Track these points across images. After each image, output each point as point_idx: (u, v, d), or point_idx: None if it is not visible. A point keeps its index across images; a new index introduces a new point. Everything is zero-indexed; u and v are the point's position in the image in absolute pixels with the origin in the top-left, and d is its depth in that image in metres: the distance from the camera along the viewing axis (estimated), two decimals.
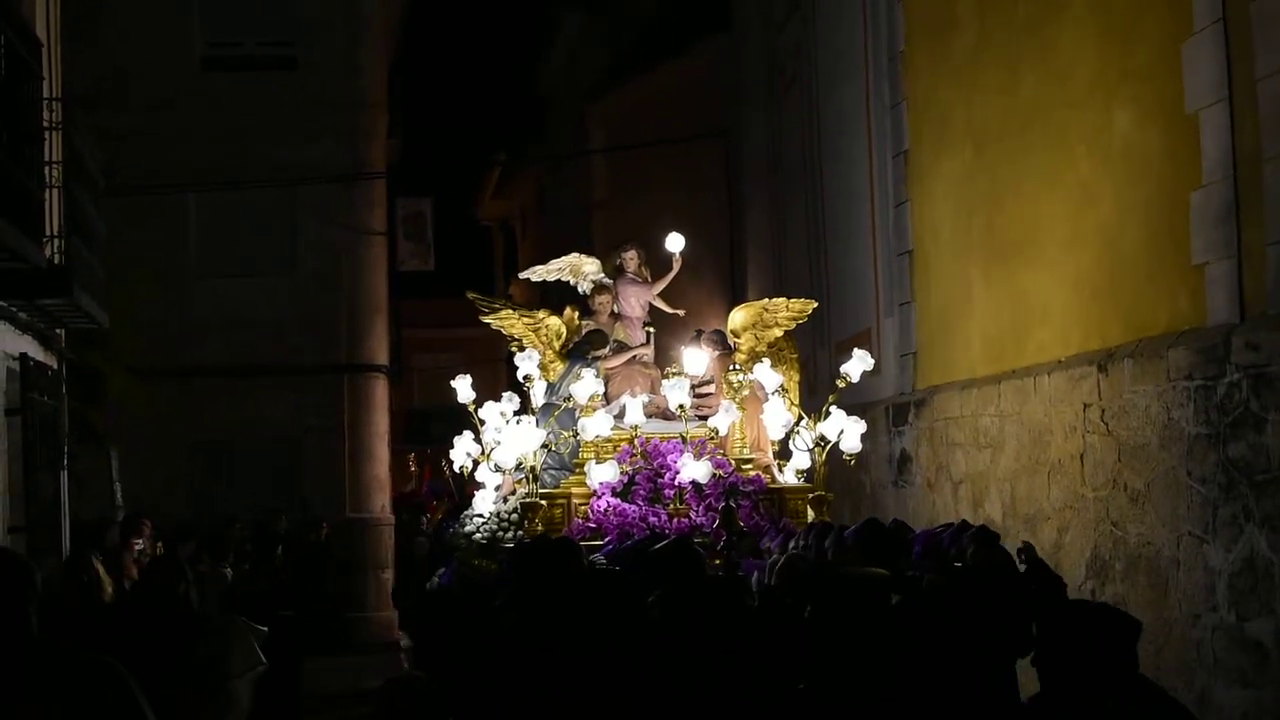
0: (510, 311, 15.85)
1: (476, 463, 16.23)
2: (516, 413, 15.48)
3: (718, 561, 12.33)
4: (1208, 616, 11.20)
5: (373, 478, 28.45)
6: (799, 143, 23.41)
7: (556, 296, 17.95)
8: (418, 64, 40.03)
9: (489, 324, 15.98)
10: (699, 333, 16.43)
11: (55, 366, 16.89)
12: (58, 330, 16.82)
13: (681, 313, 16.84)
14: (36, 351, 15.85)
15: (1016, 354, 15.03)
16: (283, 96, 27.25)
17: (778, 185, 24.97)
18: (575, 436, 14.84)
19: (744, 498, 13.97)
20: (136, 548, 15.16)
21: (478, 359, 35.76)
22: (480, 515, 15.55)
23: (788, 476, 15.14)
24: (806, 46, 22.92)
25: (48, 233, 14.21)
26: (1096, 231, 13.40)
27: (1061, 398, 13.70)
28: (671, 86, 28.80)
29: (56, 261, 14.42)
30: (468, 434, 16.34)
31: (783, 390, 14.74)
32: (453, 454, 16.66)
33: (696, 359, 15.50)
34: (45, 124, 14.21)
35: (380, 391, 29.09)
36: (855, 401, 14.70)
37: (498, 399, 15.99)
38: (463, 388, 16.06)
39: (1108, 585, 12.48)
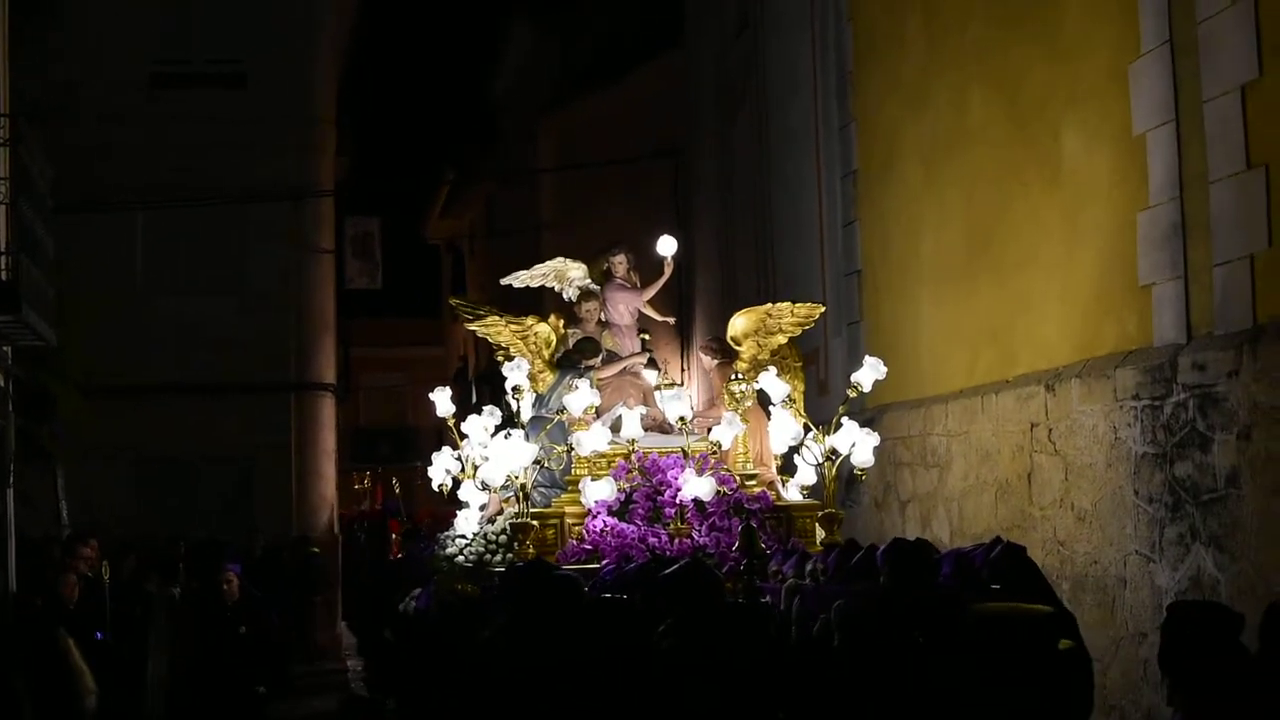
0: (497, 318, 14.95)
1: (458, 481, 15.60)
2: (499, 427, 14.82)
3: (729, 585, 11.15)
4: (1154, 635, 11.17)
5: (320, 497, 28.39)
6: (748, 162, 23.43)
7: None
8: (367, 81, 40.03)
9: (475, 331, 15.29)
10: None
11: (2, 384, 16.79)
12: (5, 348, 16.72)
13: (672, 320, 16.27)
14: None
15: (965, 374, 15.07)
16: (231, 113, 27.18)
17: (727, 204, 24.97)
18: (568, 452, 14.00)
19: (750, 516, 12.75)
20: (78, 570, 15.00)
21: (425, 379, 35.75)
22: (463, 536, 14.91)
23: (791, 493, 14.44)
24: (756, 65, 22.94)
25: None
26: (1044, 252, 13.46)
27: (1009, 417, 13.75)
28: (622, 105, 28.79)
29: (4, 279, 14.36)
30: (447, 450, 15.79)
31: (789, 400, 13.93)
32: (431, 471, 15.98)
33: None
34: None
35: (328, 410, 29.07)
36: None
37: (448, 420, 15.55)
38: (441, 401, 15.51)
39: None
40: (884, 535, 15.47)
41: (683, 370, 25.10)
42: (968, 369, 15.02)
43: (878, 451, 13.85)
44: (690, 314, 26.30)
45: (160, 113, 26.75)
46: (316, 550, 26.63)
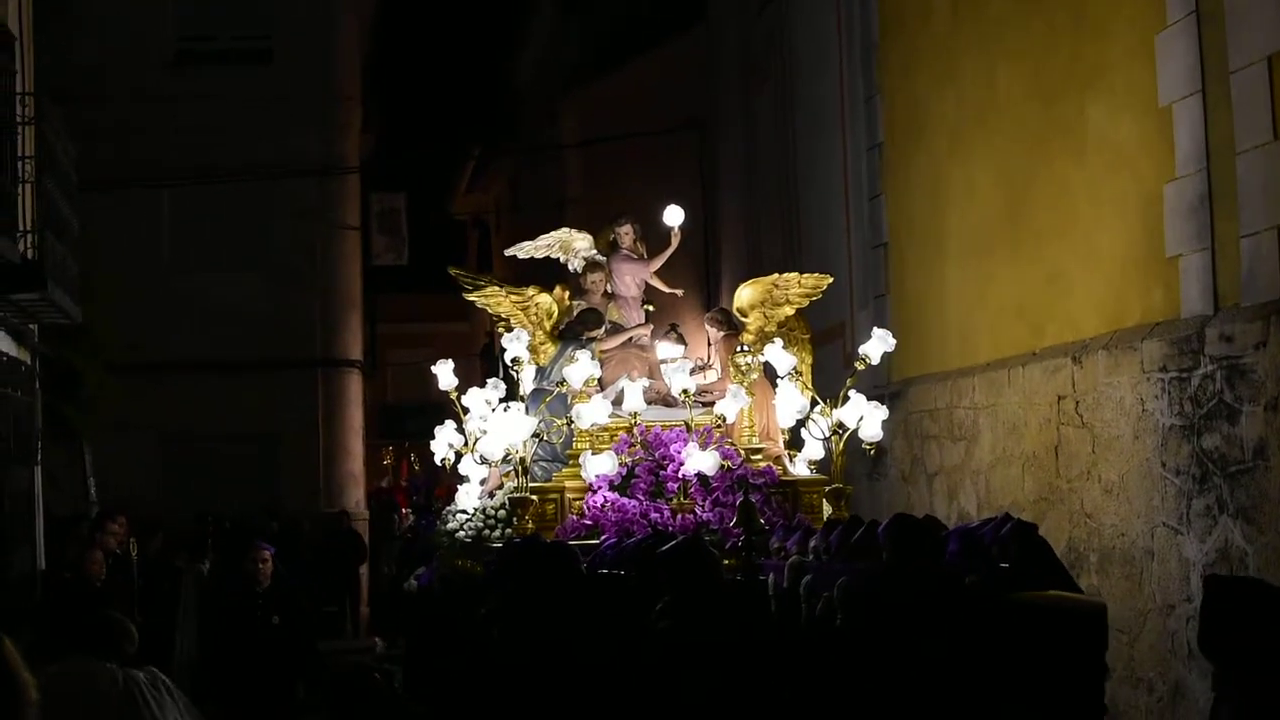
0: (496, 288, 14.76)
1: (459, 454, 15.26)
2: (502, 400, 14.50)
3: (728, 562, 11.35)
4: (1182, 607, 11.22)
5: (347, 473, 28.43)
6: (773, 135, 23.41)
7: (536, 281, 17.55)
8: (392, 58, 39.99)
9: (474, 303, 15.09)
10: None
11: (29, 362, 16.81)
12: (31, 326, 16.74)
13: (680, 292, 15.83)
14: (9, 347, 15.79)
15: (992, 346, 15.02)
16: (256, 90, 27.20)
17: (752, 178, 24.97)
18: (569, 425, 13.71)
19: (755, 491, 12.71)
20: (107, 547, 15.03)
21: (451, 354, 35.84)
22: (464, 511, 14.65)
23: (799, 467, 14.22)
24: (781, 39, 22.92)
25: (21, 228, 14.16)
26: (1071, 224, 13.40)
27: (1036, 390, 13.71)
28: (646, 80, 28.77)
29: (30, 257, 14.36)
30: (449, 423, 15.47)
31: (796, 373, 13.80)
32: (434, 445, 15.68)
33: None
34: (18, 119, 14.14)
35: (354, 386, 29.10)
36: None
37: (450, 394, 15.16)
38: (444, 373, 15.09)
39: (1082, 577, 12.48)
40: (911, 510, 15.44)
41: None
42: (994, 341, 14.97)
43: (901, 425, 13.74)
44: (717, 288, 26.29)
45: (186, 90, 26.77)
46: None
